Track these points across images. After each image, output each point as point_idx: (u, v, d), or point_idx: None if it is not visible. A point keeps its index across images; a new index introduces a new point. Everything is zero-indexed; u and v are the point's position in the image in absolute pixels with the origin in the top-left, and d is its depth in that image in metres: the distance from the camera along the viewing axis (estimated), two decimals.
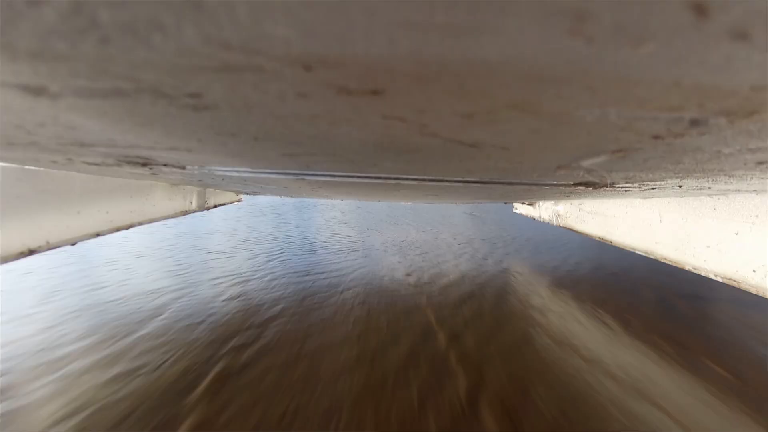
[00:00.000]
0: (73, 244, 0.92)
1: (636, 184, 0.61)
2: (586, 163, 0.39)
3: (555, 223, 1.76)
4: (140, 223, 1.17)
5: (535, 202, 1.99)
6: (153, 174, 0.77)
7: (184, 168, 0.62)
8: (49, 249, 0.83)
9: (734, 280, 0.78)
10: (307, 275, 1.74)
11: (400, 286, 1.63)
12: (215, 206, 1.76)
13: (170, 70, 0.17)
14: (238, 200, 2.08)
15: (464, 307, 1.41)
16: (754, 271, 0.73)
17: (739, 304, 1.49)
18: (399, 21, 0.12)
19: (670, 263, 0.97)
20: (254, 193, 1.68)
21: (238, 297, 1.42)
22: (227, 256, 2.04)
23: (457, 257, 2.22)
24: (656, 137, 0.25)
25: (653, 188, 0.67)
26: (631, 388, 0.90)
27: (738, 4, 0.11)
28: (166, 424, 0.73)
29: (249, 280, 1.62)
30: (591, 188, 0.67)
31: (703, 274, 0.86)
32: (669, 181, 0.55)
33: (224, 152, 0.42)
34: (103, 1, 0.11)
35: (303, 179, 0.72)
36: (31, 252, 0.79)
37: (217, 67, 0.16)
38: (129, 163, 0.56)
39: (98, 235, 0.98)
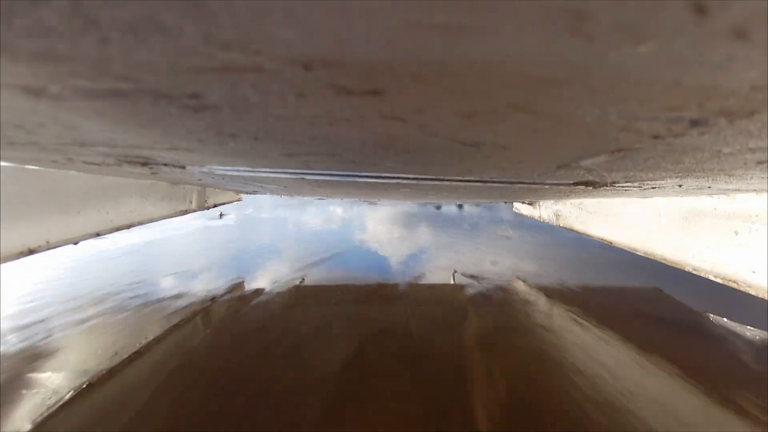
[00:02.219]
0: (75, 243, 0.92)
1: (636, 184, 0.61)
2: (586, 162, 0.39)
3: (555, 223, 1.76)
4: (140, 223, 1.17)
5: (535, 202, 1.99)
6: (153, 173, 0.77)
7: (184, 167, 0.62)
8: (49, 249, 0.83)
9: (733, 281, 0.78)
10: None
11: None
12: (215, 205, 1.76)
13: (170, 71, 0.17)
14: (238, 199, 2.08)
15: None
16: (753, 272, 0.73)
17: None
18: (399, 21, 0.12)
19: (670, 264, 0.96)
20: (254, 192, 1.68)
21: None
22: None
23: None
24: (656, 137, 0.25)
25: (653, 187, 0.67)
26: None
27: (738, 4, 0.11)
28: None
29: None
30: (591, 188, 0.67)
31: (702, 275, 0.86)
32: (669, 181, 0.55)
33: (224, 152, 0.42)
34: (102, 1, 0.11)
35: (303, 179, 0.72)
36: (31, 252, 0.79)
37: (217, 67, 0.16)
38: (129, 162, 0.56)
39: (98, 234, 0.98)
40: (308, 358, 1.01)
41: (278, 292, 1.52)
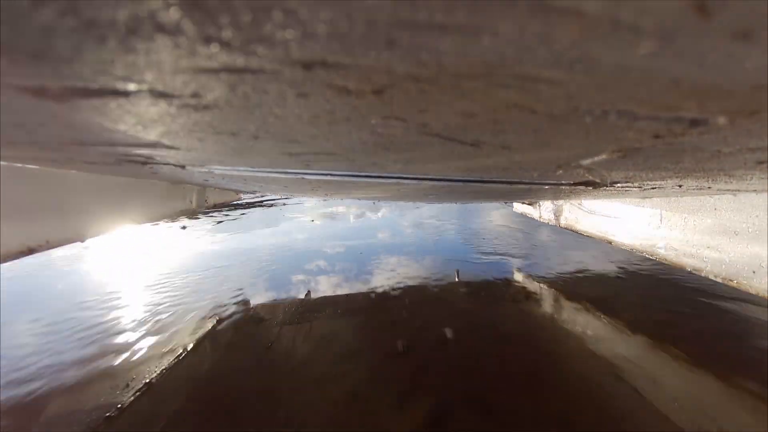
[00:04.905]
0: (82, 241, 0.92)
1: (636, 184, 0.61)
2: (586, 162, 0.39)
3: (554, 223, 1.76)
4: (141, 222, 1.17)
5: (535, 202, 1.99)
6: (153, 173, 0.77)
7: (184, 167, 0.62)
8: (49, 248, 0.83)
9: (733, 281, 0.78)
10: None
11: None
12: (215, 205, 1.76)
13: (170, 70, 0.17)
14: (237, 199, 2.08)
15: None
16: (753, 272, 0.73)
17: None
18: (399, 22, 0.12)
19: (671, 264, 0.96)
20: (254, 192, 1.68)
21: None
22: None
23: None
24: (656, 137, 0.25)
25: (653, 188, 0.67)
26: None
27: (739, 4, 0.11)
28: None
29: None
30: (591, 188, 0.67)
31: (703, 275, 0.86)
32: (669, 181, 0.55)
33: (224, 152, 0.42)
34: (102, 1, 0.11)
35: (303, 178, 0.72)
36: (31, 251, 0.79)
37: (217, 67, 0.16)
38: (129, 162, 0.56)
39: (98, 234, 0.98)
40: None
41: None
